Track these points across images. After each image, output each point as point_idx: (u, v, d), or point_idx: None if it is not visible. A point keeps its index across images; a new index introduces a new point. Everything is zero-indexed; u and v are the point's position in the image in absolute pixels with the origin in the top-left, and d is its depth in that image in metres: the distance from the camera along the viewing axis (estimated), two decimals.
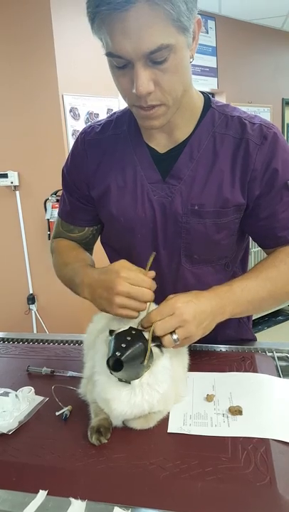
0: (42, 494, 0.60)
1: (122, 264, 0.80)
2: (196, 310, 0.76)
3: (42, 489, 0.61)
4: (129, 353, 0.67)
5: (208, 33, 3.94)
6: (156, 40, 0.71)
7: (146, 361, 0.69)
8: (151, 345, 0.71)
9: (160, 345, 0.73)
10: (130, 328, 0.73)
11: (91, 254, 1.15)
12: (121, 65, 0.76)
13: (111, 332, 0.75)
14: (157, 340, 0.73)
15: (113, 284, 0.77)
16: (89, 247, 1.14)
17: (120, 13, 0.69)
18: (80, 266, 0.95)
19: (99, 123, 1.04)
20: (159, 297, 0.88)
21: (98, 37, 0.77)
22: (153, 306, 0.85)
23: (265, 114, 4.53)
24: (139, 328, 0.75)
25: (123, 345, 0.68)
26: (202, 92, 0.97)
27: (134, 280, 0.77)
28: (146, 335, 0.72)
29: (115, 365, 0.67)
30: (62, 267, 1.04)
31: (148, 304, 0.79)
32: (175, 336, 0.74)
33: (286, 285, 0.91)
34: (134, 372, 0.69)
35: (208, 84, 4.01)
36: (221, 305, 0.81)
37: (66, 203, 1.09)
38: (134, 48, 0.71)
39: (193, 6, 0.74)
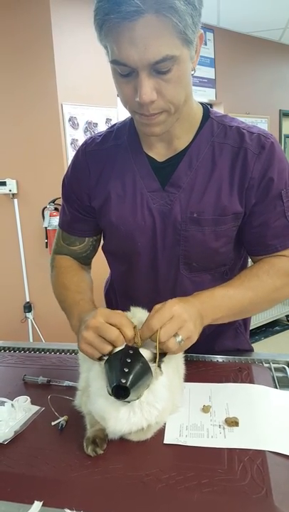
0: (37, 505, 0.60)
1: (102, 311, 0.77)
2: (189, 311, 0.77)
3: (37, 500, 0.60)
4: (133, 379, 0.66)
5: (206, 44, 3.98)
6: (161, 51, 0.72)
7: (151, 380, 0.69)
8: (152, 365, 0.69)
9: (160, 364, 0.72)
10: (126, 347, 0.71)
11: (90, 266, 1.16)
12: (125, 73, 0.77)
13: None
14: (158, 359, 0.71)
15: (89, 318, 0.76)
16: (88, 261, 1.14)
17: (129, 22, 0.70)
18: (79, 303, 0.94)
19: (100, 134, 1.05)
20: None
21: (103, 44, 0.78)
22: (145, 313, 0.85)
23: (262, 125, 4.56)
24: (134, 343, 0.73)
25: (126, 370, 0.66)
26: (201, 103, 0.99)
27: (110, 318, 0.74)
28: (143, 352, 0.71)
29: (121, 391, 0.65)
30: (61, 289, 1.03)
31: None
32: (179, 338, 0.74)
33: (268, 294, 0.93)
34: (137, 394, 0.68)
35: (207, 95, 4.05)
36: (203, 308, 0.83)
37: (66, 213, 1.10)
38: (140, 57, 0.73)
39: (198, 20, 0.76)
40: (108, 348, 0.72)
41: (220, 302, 0.87)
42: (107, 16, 0.71)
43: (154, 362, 0.71)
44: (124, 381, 0.65)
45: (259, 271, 0.93)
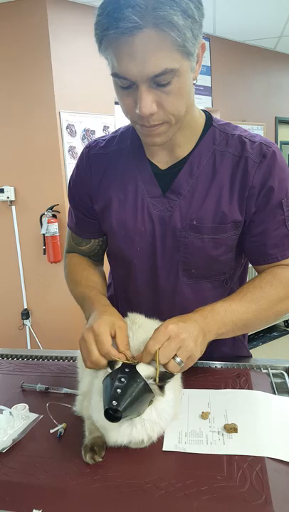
0: None
1: (108, 321, 0.79)
2: (187, 328, 0.76)
3: (36, 509, 0.60)
4: (126, 401, 0.64)
5: None
6: (161, 65, 0.73)
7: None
8: (150, 383, 0.68)
9: (162, 386, 0.70)
10: (123, 365, 0.70)
11: (102, 263, 1.17)
12: (125, 86, 0.78)
13: (111, 365, 0.72)
14: (160, 381, 0.69)
15: (84, 330, 0.78)
16: (99, 258, 1.16)
17: (128, 37, 0.70)
18: (89, 296, 0.95)
19: (104, 138, 1.06)
20: (156, 311, 0.88)
21: (104, 57, 0.79)
22: (144, 319, 0.85)
23: (258, 132, 4.59)
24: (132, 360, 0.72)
25: (118, 391, 0.65)
26: (204, 111, 0.99)
27: (99, 342, 0.75)
28: (144, 369, 0.69)
29: (113, 414, 0.64)
30: (73, 286, 1.06)
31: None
32: (178, 359, 0.73)
33: (272, 306, 0.92)
34: (135, 413, 0.67)
35: (203, 102, 4.07)
36: (206, 323, 0.81)
37: (72, 215, 1.11)
38: (139, 71, 0.73)
39: (199, 32, 0.76)
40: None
41: (222, 316, 0.85)
42: (106, 31, 0.72)
43: (156, 379, 0.69)
44: (115, 404, 0.63)
45: (262, 282, 0.92)
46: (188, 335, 0.75)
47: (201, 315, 0.82)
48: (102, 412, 0.65)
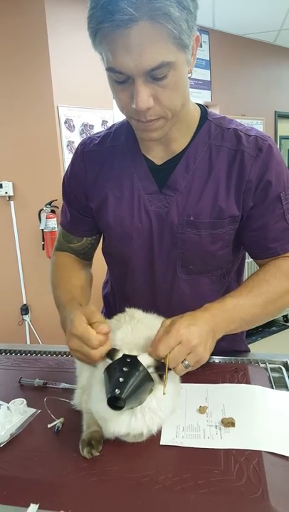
0: (33, 508, 0.59)
1: (79, 317, 0.76)
2: (199, 332, 0.74)
3: (33, 503, 0.60)
4: (128, 389, 0.64)
5: (201, 46, 4.00)
6: (157, 58, 0.72)
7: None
8: (151, 371, 0.68)
9: (162, 374, 0.70)
10: (124, 356, 0.70)
11: (90, 262, 1.16)
12: (121, 80, 0.76)
13: (110, 355, 0.71)
14: (161, 369, 0.69)
15: (68, 337, 0.77)
16: (88, 257, 1.15)
17: (123, 30, 0.69)
18: (63, 302, 0.95)
19: (98, 135, 1.05)
20: (153, 307, 0.88)
21: (98, 51, 0.78)
22: (143, 314, 0.85)
23: (258, 126, 4.58)
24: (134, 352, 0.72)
25: (121, 380, 0.65)
26: (199, 105, 0.98)
27: (82, 338, 0.73)
28: (143, 358, 0.69)
29: (116, 402, 0.64)
30: (53, 288, 1.05)
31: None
32: (186, 363, 0.72)
33: (278, 299, 0.91)
34: (137, 402, 0.67)
35: (202, 97, 4.06)
36: (216, 323, 0.80)
37: (66, 212, 1.10)
38: (135, 65, 0.72)
39: (194, 24, 0.75)
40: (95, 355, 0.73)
41: (232, 313, 0.84)
42: (101, 24, 0.71)
43: (155, 368, 0.69)
44: (118, 392, 0.63)
45: (266, 275, 0.92)
46: (200, 340, 0.73)
47: (210, 313, 0.80)
48: (103, 401, 0.66)
